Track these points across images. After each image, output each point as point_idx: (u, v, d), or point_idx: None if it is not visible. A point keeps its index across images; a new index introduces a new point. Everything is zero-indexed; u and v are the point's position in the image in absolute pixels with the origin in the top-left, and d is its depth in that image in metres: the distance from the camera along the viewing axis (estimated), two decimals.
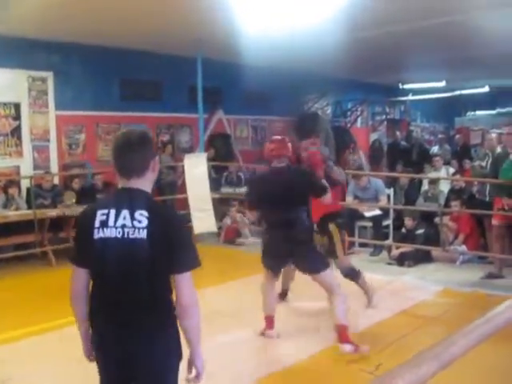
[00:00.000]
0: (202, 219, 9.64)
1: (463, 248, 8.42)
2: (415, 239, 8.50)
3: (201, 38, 9.48)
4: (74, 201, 9.07)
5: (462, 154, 13.24)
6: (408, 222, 8.66)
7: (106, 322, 2.56)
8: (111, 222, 2.49)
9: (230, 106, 12.63)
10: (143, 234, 2.44)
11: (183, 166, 10.02)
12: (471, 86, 17.09)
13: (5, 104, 9.73)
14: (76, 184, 9.66)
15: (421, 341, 5.03)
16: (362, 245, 9.45)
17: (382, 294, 6.88)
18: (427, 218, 8.97)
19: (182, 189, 10.32)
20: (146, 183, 2.59)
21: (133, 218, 2.47)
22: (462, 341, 1.49)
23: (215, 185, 10.66)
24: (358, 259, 8.76)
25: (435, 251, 8.32)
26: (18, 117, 9.90)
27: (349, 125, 16.61)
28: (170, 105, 11.81)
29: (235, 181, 11.42)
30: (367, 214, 9.33)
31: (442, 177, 10.32)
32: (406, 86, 17.30)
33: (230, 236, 10.24)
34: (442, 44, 10.72)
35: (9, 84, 9.73)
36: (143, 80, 11.51)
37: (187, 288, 2.50)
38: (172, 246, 2.46)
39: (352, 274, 6.09)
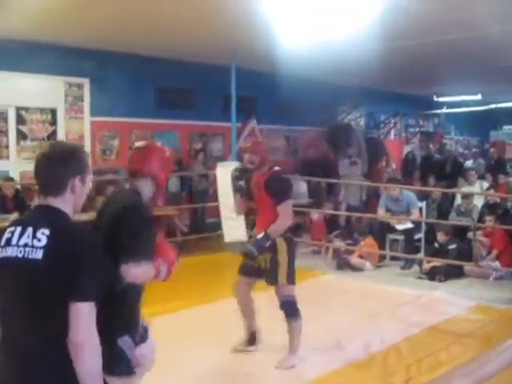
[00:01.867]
0: (233, 228, 9.64)
1: (496, 264, 8.29)
2: (447, 254, 8.39)
3: (235, 47, 9.53)
4: None
5: (496, 168, 13.08)
6: (440, 236, 8.57)
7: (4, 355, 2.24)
8: (14, 240, 2.23)
9: (263, 115, 12.63)
10: (39, 255, 2.14)
11: (215, 175, 10.04)
12: (507, 99, 16.85)
13: (42, 109, 9.91)
14: (109, 190, 9.73)
15: (452, 357, 4.97)
16: (393, 258, 9.37)
17: (411, 308, 6.82)
18: (460, 232, 8.86)
19: (214, 197, 10.34)
20: (64, 204, 2.29)
21: (34, 237, 2.19)
22: (497, 359, 1.45)
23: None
24: (389, 273, 8.72)
25: (467, 266, 8.21)
26: (54, 122, 10.06)
27: (382, 137, 16.51)
28: (203, 113, 11.86)
29: None
30: (399, 226, 9.25)
31: (476, 191, 10.20)
32: (441, 99, 17.15)
33: None
34: (478, 56, 10.60)
35: (46, 90, 9.91)
36: (177, 88, 11.59)
37: (83, 321, 2.08)
38: (73, 269, 2.10)
39: (290, 309, 5.01)
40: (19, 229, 2.25)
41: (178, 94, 11.70)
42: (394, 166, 13.94)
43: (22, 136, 9.79)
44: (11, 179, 9.37)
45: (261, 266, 4.96)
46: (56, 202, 2.27)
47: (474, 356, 1.26)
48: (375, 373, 4.79)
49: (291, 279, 4.96)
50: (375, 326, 6.11)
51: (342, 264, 8.93)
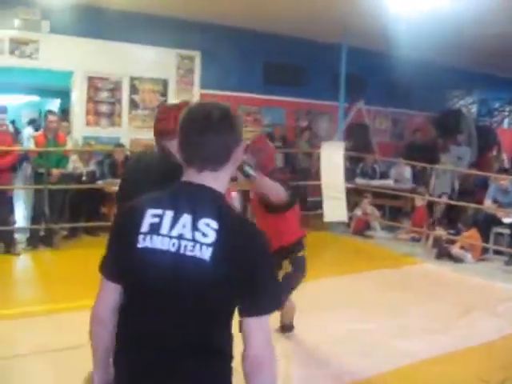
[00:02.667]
0: (334, 207, 9.62)
1: None
2: None
3: (347, 25, 9.40)
4: None
5: None
6: None
7: (133, 365, 1.79)
8: (165, 229, 1.76)
9: (372, 96, 12.43)
10: (206, 254, 1.70)
11: (319, 153, 10.01)
12: None
13: (154, 80, 10.18)
14: None
15: None
16: (497, 252, 9.04)
17: None
18: None
19: (316, 176, 10.32)
20: (222, 180, 1.84)
21: (195, 228, 1.73)
22: None
23: (349, 175, 10.56)
24: (491, 267, 8.43)
25: None
26: (165, 93, 10.32)
27: (495, 125, 15.87)
28: (311, 91, 11.81)
29: (370, 172, 11.27)
30: (506, 220, 8.90)
31: None
32: None
33: (360, 227, 10.14)
34: None
35: (159, 61, 10.17)
36: (287, 64, 11.58)
37: (262, 336, 1.75)
38: (248, 278, 1.72)
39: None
40: (170, 214, 1.77)
41: (287, 71, 11.68)
42: (505, 156, 13.37)
43: (134, 105, 10.11)
44: (122, 145, 9.73)
45: None
46: (213, 179, 1.81)
47: None
48: (467, 368, 4.66)
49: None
50: (471, 320, 5.94)
51: (443, 253, 8.71)
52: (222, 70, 10.59)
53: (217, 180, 1.82)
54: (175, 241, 1.74)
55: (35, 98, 16.54)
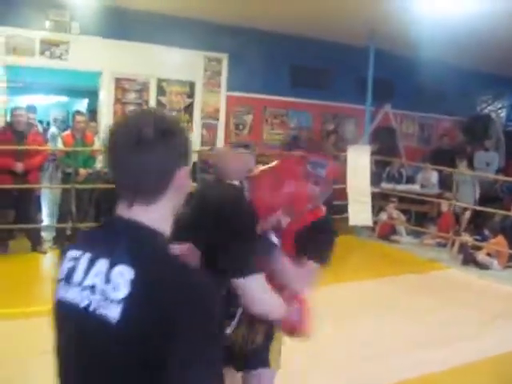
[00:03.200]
0: (359, 212, 9.58)
1: None
2: None
3: (374, 28, 9.36)
4: None
5: None
6: None
7: None
8: (78, 276, 1.39)
9: (399, 100, 12.34)
10: (114, 314, 1.29)
11: (345, 157, 9.98)
12: None
13: (181, 82, 10.24)
14: None
15: None
16: None
17: None
18: None
19: (342, 179, 10.28)
20: (160, 214, 1.42)
21: (107, 278, 1.34)
22: None
23: (375, 179, 10.51)
24: None
25: None
26: (191, 94, 10.37)
27: None
28: (337, 94, 11.76)
29: (396, 177, 11.20)
30: None
31: None
32: None
33: (385, 232, 10.09)
34: None
35: (186, 63, 10.21)
36: (313, 67, 11.55)
37: None
38: (168, 346, 1.24)
39: None
40: (87, 257, 1.40)
41: (314, 73, 11.65)
42: None
43: (160, 106, 10.16)
44: None
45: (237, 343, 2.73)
46: (147, 213, 1.40)
47: None
48: (491, 378, 4.61)
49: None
50: (496, 328, 5.87)
51: (468, 260, 8.63)
52: (248, 73, 10.60)
53: (152, 214, 1.40)
54: (86, 293, 1.35)
55: (63, 99, 16.72)
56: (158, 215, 1.41)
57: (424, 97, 12.72)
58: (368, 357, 4.81)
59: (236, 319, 2.62)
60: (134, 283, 1.29)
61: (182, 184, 1.43)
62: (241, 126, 11.03)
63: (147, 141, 1.35)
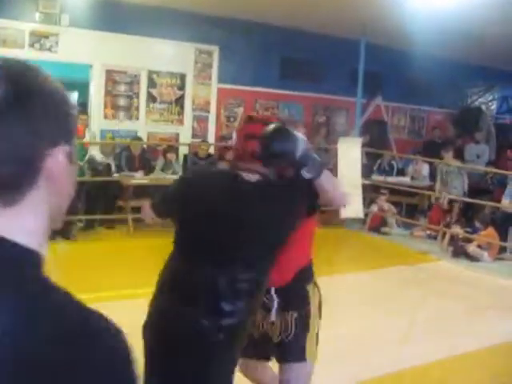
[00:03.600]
0: (350, 204, 9.58)
1: None
2: None
3: (366, 21, 9.36)
4: None
5: None
6: None
7: None
8: None
9: (390, 93, 12.37)
10: None
11: (336, 149, 9.98)
12: None
13: (172, 74, 10.21)
14: (230, 155, 9.92)
15: None
16: None
17: None
18: None
19: (333, 171, 10.29)
20: (26, 220, 0.86)
21: None
22: None
23: (366, 171, 10.53)
24: (508, 266, 8.38)
25: None
26: (182, 87, 10.35)
27: None
28: (328, 86, 11.76)
29: (387, 169, 11.22)
30: None
31: None
32: None
33: (376, 224, 10.11)
34: None
35: (177, 55, 10.19)
36: (304, 59, 11.54)
37: None
38: None
39: None
40: None
41: (305, 66, 11.65)
42: None
43: (151, 99, 10.14)
44: (139, 139, 9.77)
45: (274, 336, 2.83)
46: (9, 221, 0.84)
47: None
48: (481, 369, 4.64)
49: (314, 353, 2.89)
50: (486, 320, 5.91)
51: (459, 252, 8.67)
52: (239, 65, 10.60)
53: (17, 221, 0.85)
54: None
55: None
56: (27, 223, 0.86)
57: (415, 89, 12.75)
58: (354, 349, 4.82)
59: (274, 308, 2.76)
60: (10, 331, 0.77)
61: (59, 173, 0.88)
62: (232, 119, 11.02)
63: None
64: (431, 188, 10.51)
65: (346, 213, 9.58)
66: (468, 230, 9.08)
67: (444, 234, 9.42)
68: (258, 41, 10.69)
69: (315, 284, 2.98)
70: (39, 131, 0.86)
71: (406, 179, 11.03)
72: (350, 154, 9.71)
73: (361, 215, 9.86)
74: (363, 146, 10.10)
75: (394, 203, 10.52)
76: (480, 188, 10.79)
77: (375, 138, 11.79)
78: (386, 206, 10.23)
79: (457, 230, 9.17)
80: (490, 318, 5.99)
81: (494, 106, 15.62)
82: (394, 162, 11.46)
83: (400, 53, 11.42)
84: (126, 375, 0.83)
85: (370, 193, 10.63)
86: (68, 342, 0.78)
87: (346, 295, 6.32)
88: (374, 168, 11.20)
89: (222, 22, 10.12)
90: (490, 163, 11.84)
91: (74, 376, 0.77)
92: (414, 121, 13.79)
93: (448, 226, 9.48)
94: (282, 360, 2.84)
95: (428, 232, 9.90)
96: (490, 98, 15.38)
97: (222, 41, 10.36)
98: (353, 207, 9.53)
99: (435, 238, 9.65)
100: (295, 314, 2.80)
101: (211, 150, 10.31)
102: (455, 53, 11.68)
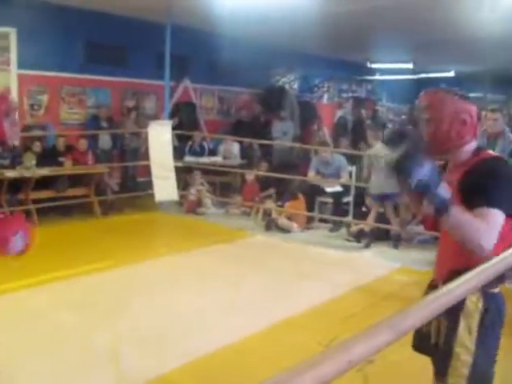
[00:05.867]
0: (164, 187, 9.60)
1: (420, 228, 8.54)
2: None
3: (171, 4, 9.35)
4: (33, 163, 8.90)
5: None
6: (369, 200, 8.74)
7: None
8: None
9: (197, 75, 12.52)
10: None
11: (147, 133, 9.93)
12: (438, 69, 17.26)
13: None
14: (37, 146, 9.49)
15: (376, 316, 5.10)
16: (322, 220, 9.53)
17: (338, 269, 7.01)
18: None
19: (145, 156, 10.23)
20: None
21: None
22: (419, 312, 1.52)
23: (178, 153, 10.59)
24: (317, 235, 8.89)
25: (393, 230, 8.42)
26: None
27: (315, 100, 16.63)
28: (136, 70, 11.64)
29: (199, 150, 11.37)
30: (328, 189, 9.39)
31: None
32: (374, 66, 17.37)
33: (192, 206, 10.21)
34: (412, 25, 10.75)
35: None
36: (110, 44, 11.30)
37: None
38: None
39: None
40: None
41: (111, 50, 11.40)
42: (325, 129, 14.07)
43: None
44: None
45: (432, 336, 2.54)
46: None
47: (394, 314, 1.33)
48: (302, 332, 4.90)
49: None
50: (302, 286, 6.23)
51: (270, 225, 9.02)
52: (40, 49, 10.12)
53: None
54: None
55: None
56: None
57: (222, 71, 13.01)
58: (180, 330, 4.87)
59: None
60: None
61: None
62: (36, 107, 10.52)
63: None
64: (242, 166, 10.82)
65: (161, 196, 9.60)
66: (279, 204, 9.47)
67: (258, 209, 9.76)
68: (60, 24, 10.25)
69: (485, 296, 2.37)
70: None
71: (218, 159, 11.26)
72: (160, 137, 9.71)
73: (175, 197, 9.91)
74: (173, 128, 10.13)
75: (209, 184, 10.69)
76: (288, 163, 11.31)
77: (186, 120, 11.88)
78: (200, 186, 10.36)
79: (269, 204, 9.54)
80: (307, 283, 6.32)
81: (296, 86, 16.38)
82: (205, 143, 11.64)
83: (206, 36, 11.57)
84: None
85: (184, 174, 10.71)
86: None
87: (167, 277, 6.36)
88: (186, 150, 11.30)
89: (19, 2, 9.55)
90: (295, 139, 12.43)
91: None
92: (222, 102, 14.07)
93: (261, 201, 9.84)
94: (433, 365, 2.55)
95: (243, 209, 10.19)
96: (292, 78, 16.10)
97: (20, 22, 9.77)
98: (167, 190, 9.57)
99: (250, 214, 9.96)
100: (445, 323, 2.42)
101: (15, 141, 9.78)
102: (259, 36, 12.06)
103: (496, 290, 2.39)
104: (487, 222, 2.15)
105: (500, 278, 2.23)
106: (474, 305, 2.33)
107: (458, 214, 2.15)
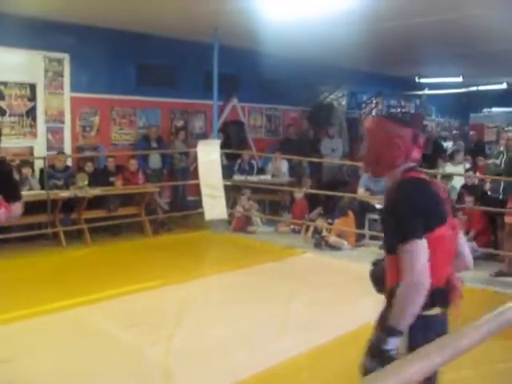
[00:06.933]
0: (213, 206, 9.66)
1: (473, 245, 8.36)
2: None
3: (218, 25, 9.46)
4: (86, 183, 9.10)
5: (475, 150, 13.18)
6: None
7: None
8: None
9: (245, 93, 12.60)
10: None
11: (196, 153, 10.03)
12: (488, 82, 16.96)
13: (20, 84, 9.76)
14: (89, 166, 9.68)
15: None
16: (373, 237, 9.43)
17: None
18: None
19: (194, 175, 10.33)
20: None
21: None
22: (473, 334, 1.49)
23: (227, 172, 10.66)
24: (368, 252, 8.78)
25: None
26: (33, 98, 9.91)
27: (363, 117, 16.54)
28: (184, 91, 11.79)
29: (247, 169, 11.42)
30: (378, 206, 9.29)
31: (455, 173, 10.28)
32: (423, 80, 17.17)
33: (241, 224, 10.23)
34: (460, 38, 10.61)
35: (25, 64, 9.75)
36: (159, 65, 11.48)
37: None
38: None
39: None
40: None
41: (160, 71, 11.58)
42: None
43: (0, 112, 9.64)
44: None
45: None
46: None
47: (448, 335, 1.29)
48: (355, 349, 4.82)
49: None
50: (355, 303, 6.16)
51: (320, 243, 8.97)
52: (93, 73, 10.37)
53: None
54: None
55: None
56: None
57: (269, 89, 13.07)
58: (226, 350, 4.87)
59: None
60: None
61: None
62: (88, 128, 10.74)
63: None
64: (292, 184, 10.82)
65: (211, 215, 9.66)
66: (330, 221, 9.42)
67: (307, 227, 9.73)
68: (111, 47, 10.49)
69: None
70: None
71: (267, 177, 11.29)
72: (209, 156, 9.80)
73: (224, 216, 9.96)
74: (221, 146, 10.21)
75: (258, 202, 10.71)
76: (337, 180, 11.26)
77: (234, 138, 11.97)
78: (249, 204, 10.39)
79: (319, 222, 9.49)
80: (357, 302, 6.25)
81: (344, 102, 16.34)
82: (253, 161, 11.69)
83: (254, 54, 11.66)
84: None
85: (233, 193, 10.76)
86: None
87: (217, 295, 6.38)
88: (235, 168, 11.36)
89: (71, 29, 9.82)
90: (344, 156, 12.38)
91: None
92: (270, 120, 14.11)
93: (311, 218, 9.81)
94: None
95: (292, 227, 10.17)
96: (340, 94, 16.07)
97: (73, 48, 10.05)
98: (216, 209, 9.63)
99: (299, 232, 9.93)
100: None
101: (69, 162, 10.01)
102: (306, 53, 12.08)
103: (429, 313, 2.46)
104: (411, 262, 2.33)
105: (439, 299, 2.46)
106: None
107: (392, 315, 2.40)
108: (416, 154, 2.56)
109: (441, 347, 1.32)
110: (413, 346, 2.24)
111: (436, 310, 2.50)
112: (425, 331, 2.41)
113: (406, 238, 2.35)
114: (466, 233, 8.53)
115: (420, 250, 2.33)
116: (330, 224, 9.29)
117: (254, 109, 13.55)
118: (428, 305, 2.40)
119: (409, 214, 2.38)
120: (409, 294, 2.33)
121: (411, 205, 2.41)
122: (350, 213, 9.18)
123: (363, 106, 17.15)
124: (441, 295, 2.49)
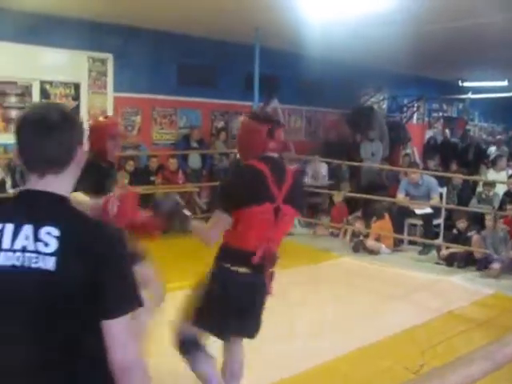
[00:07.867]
0: None
1: None
2: (466, 240, 8.33)
3: (259, 26, 9.47)
4: (126, 182, 9.20)
5: None
6: (460, 222, 8.50)
7: None
8: (6, 243, 1.65)
9: (285, 95, 12.58)
10: (50, 264, 1.61)
11: (236, 154, 10.05)
12: None
13: (65, 84, 9.94)
14: (130, 165, 9.80)
15: (467, 344, 4.96)
16: (411, 242, 9.35)
17: (428, 293, 6.83)
18: (480, 220, 8.78)
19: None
20: (66, 182, 1.77)
21: (37, 239, 1.64)
22: None
23: None
24: (406, 257, 8.71)
25: (478, 254, 8.12)
26: (77, 97, 10.09)
27: (404, 120, 16.38)
28: (225, 91, 11.84)
29: None
30: (418, 211, 9.20)
31: (498, 180, 10.11)
32: (466, 84, 16.93)
33: None
34: (505, 42, 10.45)
35: (70, 64, 9.92)
36: (200, 66, 11.54)
37: (124, 339, 1.66)
38: (99, 279, 1.63)
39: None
40: (10, 227, 1.67)
41: (201, 72, 11.64)
42: (415, 150, 13.83)
43: None
44: None
45: None
46: (56, 182, 1.72)
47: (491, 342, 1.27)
48: (389, 356, 4.80)
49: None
50: (390, 309, 6.12)
51: (358, 247, 8.92)
52: (135, 73, 10.48)
53: (60, 184, 1.73)
54: (19, 254, 1.63)
55: None
56: (65, 184, 1.76)
57: (309, 91, 13.03)
58: (273, 351, 4.87)
59: None
60: (61, 238, 1.63)
61: (80, 159, 1.80)
62: (130, 127, 10.86)
63: (57, 124, 1.70)
64: (331, 187, 10.77)
65: None
66: (367, 225, 9.36)
67: (345, 230, 9.68)
68: (153, 48, 10.60)
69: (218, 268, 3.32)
70: (75, 135, 1.77)
71: (306, 180, 11.26)
72: None
73: None
74: None
75: None
76: (376, 184, 11.17)
77: None
78: None
79: (357, 225, 9.44)
80: (394, 306, 6.21)
81: (385, 106, 16.21)
82: (293, 164, 11.66)
83: (294, 56, 11.64)
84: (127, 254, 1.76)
85: None
86: (88, 237, 1.67)
87: None
88: None
89: (115, 30, 9.96)
90: (384, 160, 12.27)
91: (91, 251, 1.65)
92: (310, 122, 14.07)
93: (349, 223, 9.76)
94: None
95: (330, 230, 10.13)
96: (381, 97, 15.94)
97: (116, 48, 10.19)
98: None
99: (337, 235, 9.89)
100: None
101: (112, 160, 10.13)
102: (347, 55, 12.02)
103: (236, 269, 3.25)
104: (210, 224, 3.18)
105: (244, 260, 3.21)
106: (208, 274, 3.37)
107: (195, 225, 3.31)
108: (272, 145, 3.14)
109: (484, 354, 1.30)
110: (223, 291, 3.25)
111: (244, 269, 3.25)
112: (232, 281, 3.26)
113: (217, 207, 3.17)
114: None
115: (218, 220, 3.12)
116: (369, 228, 9.24)
117: (294, 111, 13.53)
118: (235, 263, 3.22)
119: (223, 190, 3.31)
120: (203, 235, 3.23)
121: (228, 184, 3.29)
122: (387, 215, 9.11)
123: (404, 109, 16.99)
124: (245, 256, 3.18)
